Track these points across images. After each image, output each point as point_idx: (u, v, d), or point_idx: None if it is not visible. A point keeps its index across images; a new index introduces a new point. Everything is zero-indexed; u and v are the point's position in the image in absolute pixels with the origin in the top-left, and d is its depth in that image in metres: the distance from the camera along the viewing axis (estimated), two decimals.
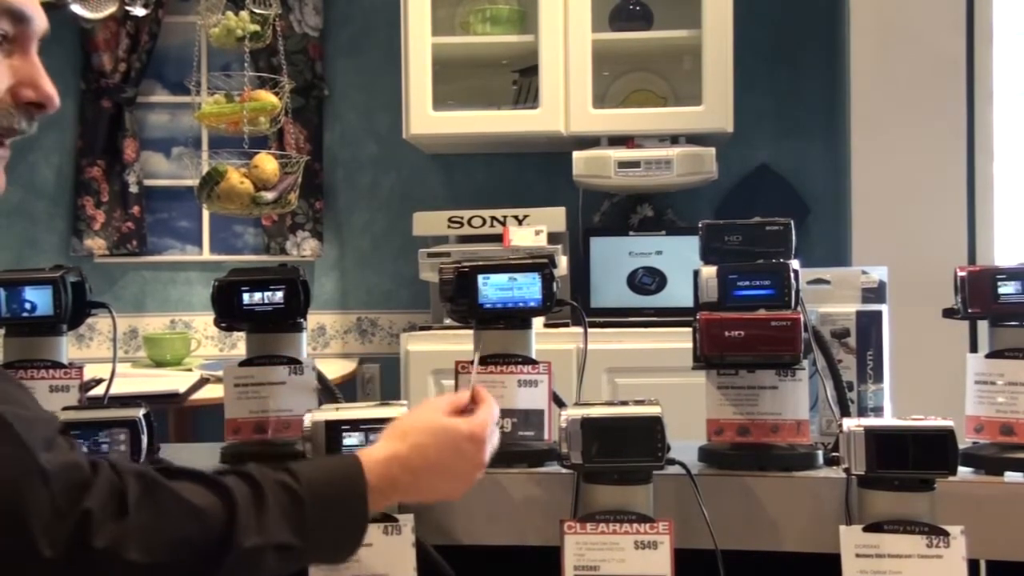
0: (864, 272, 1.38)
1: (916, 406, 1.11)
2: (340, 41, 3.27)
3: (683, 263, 2.67)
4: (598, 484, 1.08)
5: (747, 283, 1.20)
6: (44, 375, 1.25)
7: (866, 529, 1.05)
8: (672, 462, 1.11)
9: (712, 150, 2.74)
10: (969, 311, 1.20)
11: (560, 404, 1.19)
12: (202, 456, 1.29)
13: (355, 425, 1.08)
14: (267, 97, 2.59)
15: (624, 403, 1.10)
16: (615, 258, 2.84)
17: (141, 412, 1.17)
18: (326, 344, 3.27)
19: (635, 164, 2.73)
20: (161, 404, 2.44)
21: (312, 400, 1.26)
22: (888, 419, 1.15)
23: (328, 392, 1.30)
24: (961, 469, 1.11)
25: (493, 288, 1.19)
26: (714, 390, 1.21)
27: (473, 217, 2.74)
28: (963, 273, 1.20)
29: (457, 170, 3.24)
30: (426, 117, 2.81)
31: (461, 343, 1.28)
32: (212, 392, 2.53)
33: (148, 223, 3.26)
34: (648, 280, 2.81)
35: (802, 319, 1.15)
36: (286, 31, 2.96)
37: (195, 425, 2.82)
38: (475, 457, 0.98)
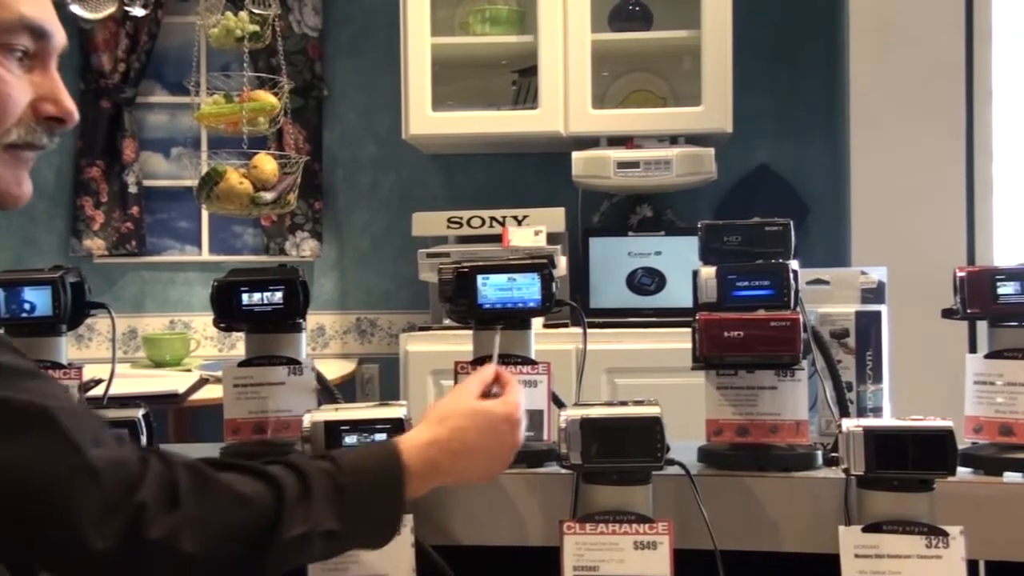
0: (863, 272, 1.38)
1: (915, 406, 1.11)
2: (339, 41, 3.27)
3: (682, 263, 2.67)
4: (597, 484, 1.08)
5: (746, 283, 1.20)
6: None
7: (865, 529, 1.05)
8: (671, 462, 1.11)
9: (711, 150, 2.74)
10: (968, 311, 1.20)
11: (559, 404, 1.19)
12: (201, 456, 1.29)
13: (354, 425, 1.08)
14: (266, 97, 2.59)
15: (623, 403, 1.10)
16: (614, 258, 2.84)
17: (140, 412, 1.17)
18: (325, 344, 3.27)
19: (634, 164, 2.73)
20: (160, 404, 2.44)
21: (311, 400, 1.26)
22: (887, 419, 1.15)
23: (327, 392, 1.30)
24: (960, 469, 1.11)
25: (492, 288, 1.19)
26: (713, 390, 1.21)
27: (472, 217, 2.74)
28: (962, 273, 1.20)
29: (456, 170, 3.24)
30: (425, 117, 2.81)
31: (460, 343, 1.28)
32: (211, 392, 2.53)
33: (147, 223, 3.26)
34: (647, 280, 2.81)
35: (801, 319, 1.15)
36: (285, 31, 2.96)
37: (194, 425, 2.82)
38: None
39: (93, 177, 3.20)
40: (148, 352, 3.03)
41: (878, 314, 1.35)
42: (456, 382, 1.20)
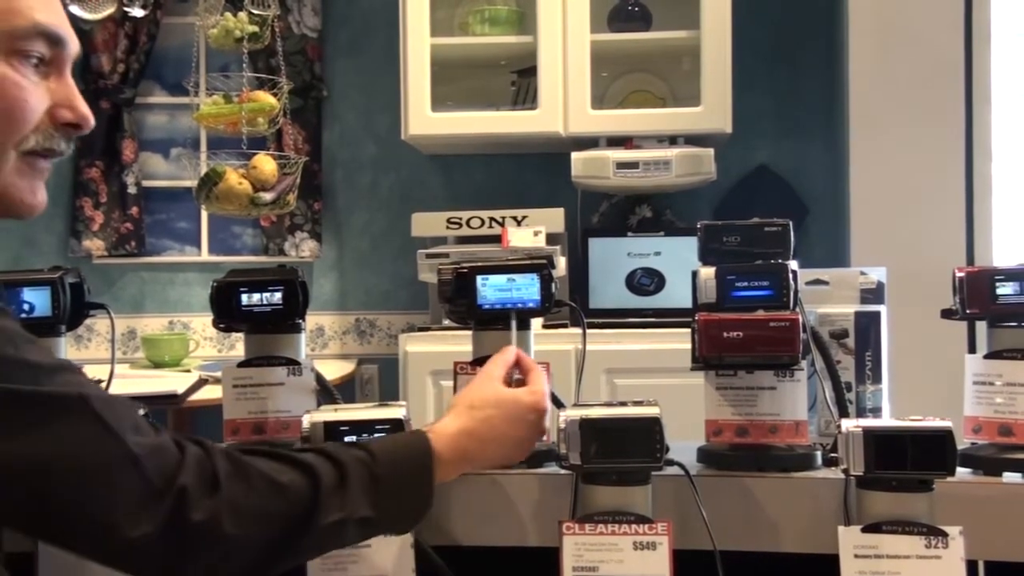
0: (863, 273, 1.38)
1: (914, 407, 1.11)
2: (339, 42, 3.27)
3: (682, 264, 2.68)
4: (597, 485, 1.08)
5: (746, 284, 1.20)
6: None
7: (865, 530, 1.05)
8: (671, 463, 1.11)
9: (711, 151, 2.74)
10: (967, 312, 1.20)
11: (559, 405, 1.18)
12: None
13: (353, 426, 1.08)
14: (266, 98, 2.59)
15: (623, 404, 1.09)
16: (614, 259, 2.84)
17: (140, 413, 1.16)
18: (325, 345, 3.27)
19: (634, 165, 2.73)
20: (160, 405, 2.44)
21: (311, 401, 1.26)
22: (886, 420, 1.15)
23: (326, 393, 1.30)
24: (959, 470, 1.11)
25: (492, 289, 1.19)
26: (712, 391, 1.21)
27: (472, 218, 2.74)
28: (961, 274, 1.20)
29: (456, 171, 3.24)
30: (425, 118, 2.81)
31: (460, 344, 1.28)
32: (211, 393, 2.53)
33: (147, 224, 3.26)
34: (647, 281, 2.81)
35: (800, 320, 1.15)
36: (284, 32, 2.97)
37: (194, 426, 2.82)
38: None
39: (92, 178, 3.20)
40: (147, 353, 3.03)
41: (877, 314, 1.35)
42: (455, 383, 1.20)
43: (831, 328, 1.35)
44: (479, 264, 1.20)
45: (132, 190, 3.21)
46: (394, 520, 0.96)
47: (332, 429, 1.08)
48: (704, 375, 1.21)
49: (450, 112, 2.86)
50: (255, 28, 2.55)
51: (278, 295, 1.24)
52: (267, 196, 2.58)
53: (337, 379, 2.82)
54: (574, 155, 2.77)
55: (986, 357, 1.19)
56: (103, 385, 1.29)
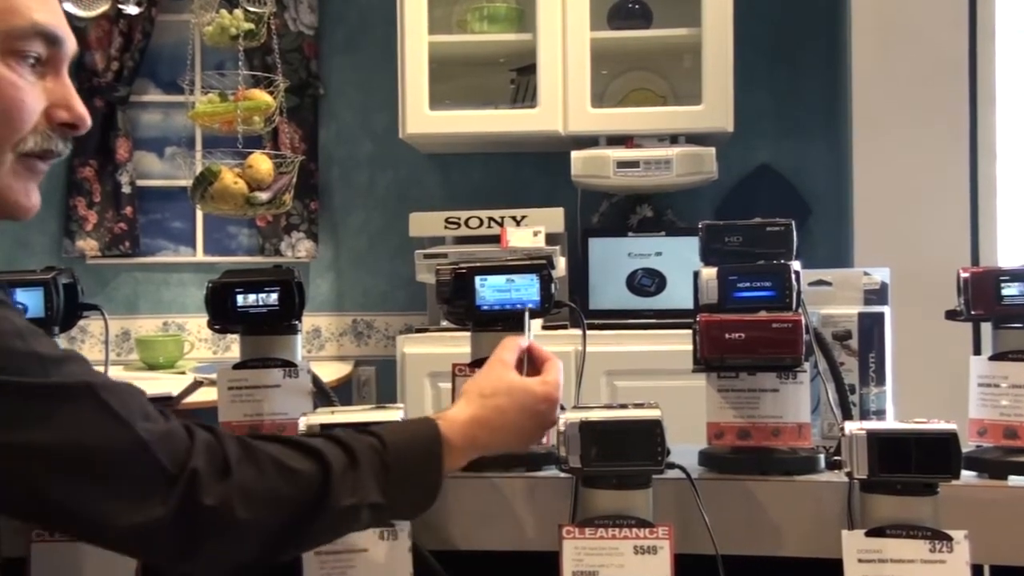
0: (866, 273, 1.38)
1: (919, 409, 1.11)
2: (335, 39, 3.27)
3: (683, 264, 2.68)
4: (597, 488, 1.08)
5: (748, 284, 1.19)
6: None
7: (868, 534, 1.05)
8: (672, 466, 1.11)
9: (712, 150, 2.74)
10: (972, 313, 1.20)
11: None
12: None
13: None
14: (261, 96, 2.59)
15: (623, 406, 1.09)
16: (614, 259, 2.84)
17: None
18: (321, 347, 3.27)
19: (634, 164, 2.73)
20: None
21: (307, 403, 1.26)
22: (890, 422, 1.15)
23: (323, 395, 1.29)
24: (964, 473, 1.11)
25: (490, 290, 1.19)
26: (714, 393, 1.20)
27: (470, 218, 2.74)
28: (966, 274, 1.20)
29: (454, 170, 3.24)
30: (423, 116, 2.81)
31: (458, 345, 1.28)
32: (206, 395, 2.53)
33: (141, 224, 3.26)
34: (647, 281, 2.81)
35: (803, 321, 1.15)
36: (281, 29, 2.97)
37: None
38: (547, 417, 1.05)
39: (86, 177, 3.20)
40: (141, 354, 3.03)
41: (881, 315, 1.35)
42: (454, 385, 1.20)
43: (834, 329, 1.35)
44: (478, 264, 1.20)
45: (126, 189, 3.20)
46: (404, 506, 0.97)
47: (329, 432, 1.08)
48: (706, 377, 1.21)
49: (448, 111, 2.86)
50: (251, 25, 2.55)
51: (274, 296, 1.24)
52: (263, 196, 2.58)
53: (334, 381, 2.82)
54: (574, 154, 2.77)
55: (991, 359, 1.19)
56: None
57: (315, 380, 1.28)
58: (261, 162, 2.60)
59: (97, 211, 3.21)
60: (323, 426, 1.08)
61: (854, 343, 1.35)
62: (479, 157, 3.20)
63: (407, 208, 2.91)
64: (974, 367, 1.20)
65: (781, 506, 1.15)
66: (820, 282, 1.38)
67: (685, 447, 1.18)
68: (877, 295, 1.37)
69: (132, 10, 2.97)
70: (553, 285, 1.19)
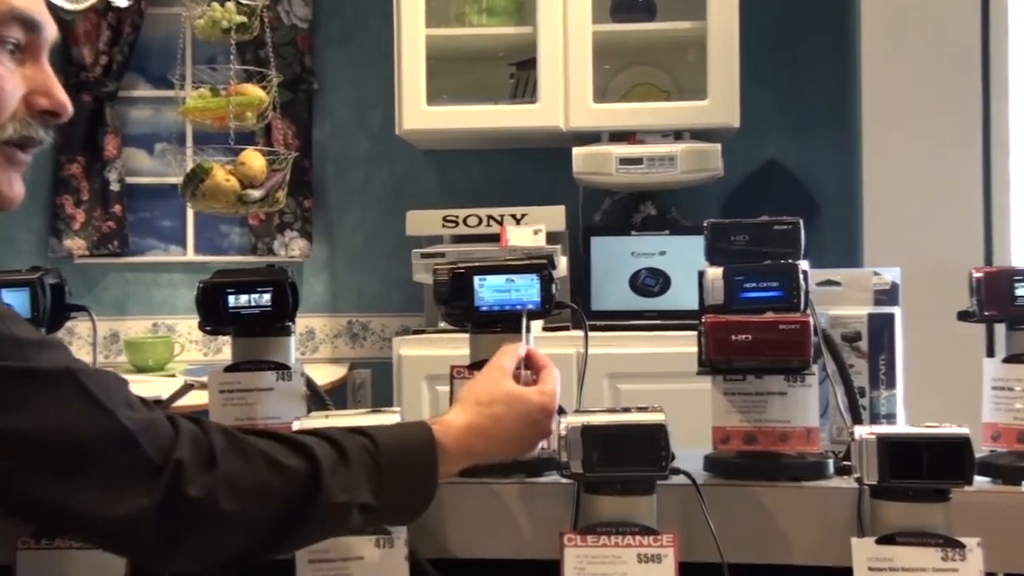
0: (876, 273, 1.38)
1: (930, 413, 1.11)
2: (330, 33, 3.27)
3: (687, 264, 2.67)
4: (599, 495, 1.08)
5: (754, 285, 1.19)
6: None
7: (879, 541, 1.04)
8: (676, 471, 1.11)
9: (717, 146, 2.74)
10: (985, 314, 1.19)
11: (560, 411, 1.18)
12: None
13: None
14: (254, 91, 2.59)
15: (626, 410, 1.09)
16: (617, 259, 2.84)
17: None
18: (315, 349, 3.27)
19: (637, 161, 2.73)
20: None
21: (300, 407, 1.26)
22: (901, 427, 1.15)
23: (317, 399, 1.29)
24: (977, 479, 1.11)
25: (490, 290, 1.19)
26: (720, 396, 1.20)
27: (469, 216, 2.74)
28: (979, 274, 1.20)
29: (452, 167, 3.24)
30: (420, 112, 2.81)
31: (456, 348, 1.28)
32: (196, 399, 2.50)
33: (130, 222, 3.26)
34: (651, 281, 2.81)
35: (812, 322, 1.15)
36: (274, 22, 2.97)
37: None
38: (544, 427, 1.06)
39: (73, 174, 3.19)
40: (130, 357, 3.03)
41: (891, 316, 1.35)
42: (452, 388, 1.20)
43: (843, 331, 1.35)
44: (476, 264, 1.20)
45: (115, 187, 3.20)
46: (396, 510, 0.97)
47: None
48: (711, 380, 1.21)
49: (446, 106, 2.86)
50: (243, 18, 2.55)
51: (267, 296, 1.24)
52: (255, 193, 2.58)
53: (328, 384, 2.82)
54: (575, 150, 2.77)
55: (1005, 361, 1.19)
56: None
57: (309, 383, 1.28)
58: (254, 159, 2.60)
59: (85, 209, 3.21)
60: (317, 430, 1.08)
61: (864, 345, 1.35)
62: (478, 154, 3.20)
63: (404, 206, 2.91)
64: (987, 369, 1.20)
65: (789, 513, 1.15)
66: (829, 282, 1.38)
67: (690, 452, 1.18)
68: (887, 295, 1.37)
69: (121, 3, 2.98)
70: (554, 285, 1.19)
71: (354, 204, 3.28)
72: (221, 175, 2.53)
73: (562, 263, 2.66)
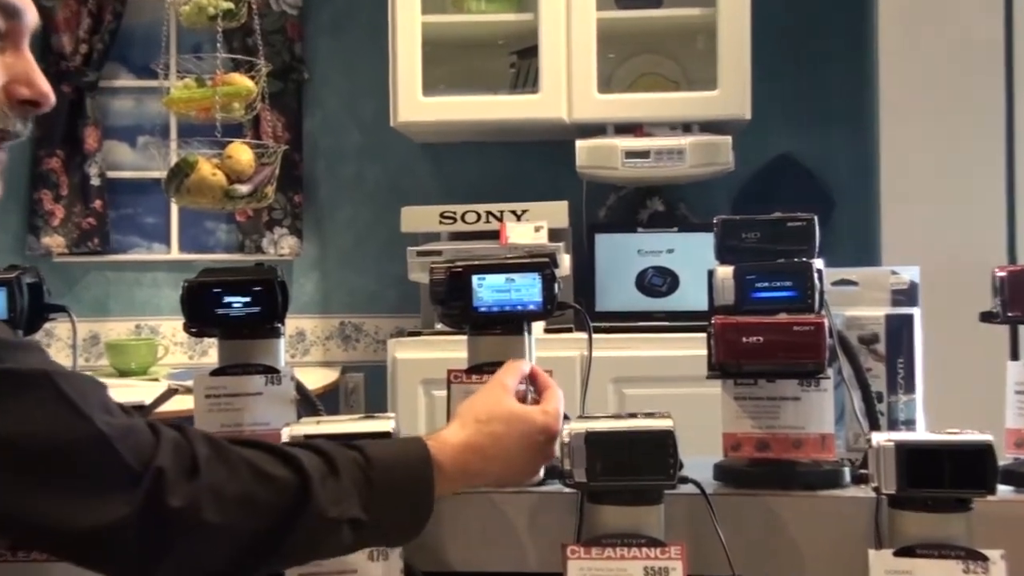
0: (894, 272, 1.38)
1: (951, 419, 1.11)
2: (321, 20, 3.27)
3: (697, 262, 2.67)
4: (604, 504, 1.08)
5: (766, 284, 1.20)
6: None
7: (897, 553, 1.04)
8: (685, 480, 1.11)
9: (728, 139, 2.74)
10: (1009, 315, 1.19)
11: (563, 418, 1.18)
12: None
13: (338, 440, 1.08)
14: (241, 81, 2.59)
15: (632, 416, 1.09)
16: (622, 257, 2.84)
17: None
18: (306, 351, 3.27)
19: (644, 154, 2.73)
20: None
21: (290, 412, 1.26)
22: (921, 433, 1.15)
23: (308, 404, 1.29)
24: (1001, 488, 1.11)
25: (489, 290, 1.19)
26: (731, 401, 1.20)
27: (467, 212, 2.74)
28: (1002, 273, 1.20)
29: (449, 161, 3.24)
30: (415, 103, 2.81)
31: (453, 350, 1.28)
32: (181, 404, 2.50)
33: (111, 219, 3.26)
34: (658, 281, 2.81)
35: (827, 324, 1.15)
36: (262, 9, 2.96)
37: None
38: (545, 449, 1.06)
39: (52, 168, 3.19)
40: (112, 360, 3.03)
41: (910, 317, 1.35)
42: (449, 393, 1.20)
43: (860, 333, 1.35)
44: (475, 263, 1.20)
45: (95, 182, 3.20)
46: (389, 529, 0.96)
47: None
48: (721, 384, 1.21)
49: (443, 96, 2.86)
50: (230, 5, 2.55)
51: (255, 297, 1.24)
52: (243, 188, 2.58)
53: (319, 389, 2.82)
54: (579, 143, 2.77)
55: None
56: None
57: (299, 387, 1.28)
58: (241, 152, 2.60)
59: (64, 205, 3.21)
60: (307, 437, 1.08)
61: (881, 347, 1.35)
62: (476, 147, 3.20)
63: (399, 202, 2.92)
64: (1011, 373, 1.20)
65: (803, 523, 1.15)
66: (845, 281, 1.38)
67: (699, 460, 1.18)
68: (906, 295, 1.37)
69: None
70: (556, 285, 1.20)
71: (347, 200, 3.28)
72: (207, 169, 2.53)
73: (565, 262, 2.66)
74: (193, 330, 1.27)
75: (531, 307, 1.19)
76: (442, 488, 0.98)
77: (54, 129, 3.18)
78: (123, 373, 2.97)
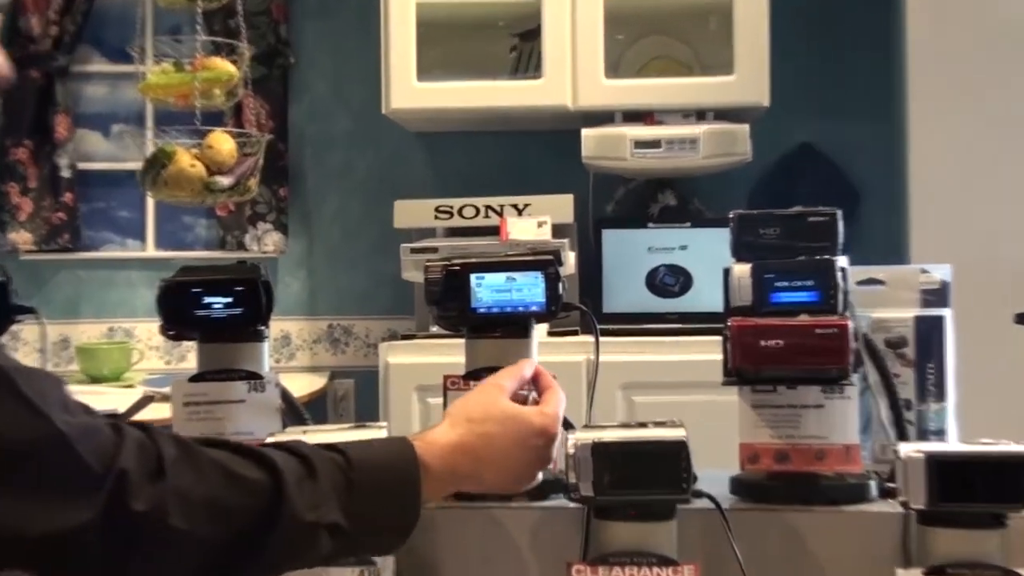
0: (924, 271, 1.38)
1: (985, 428, 1.11)
2: (308, 0, 3.27)
3: (711, 260, 2.66)
4: (612, 520, 1.08)
5: (787, 284, 1.20)
6: None
7: (927, 572, 1.05)
8: (699, 495, 1.11)
9: (745, 127, 2.74)
10: None
11: (567, 427, 1.18)
12: None
13: None
14: (223, 66, 2.59)
15: (643, 425, 1.09)
16: (632, 254, 2.84)
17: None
18: (291, 356, 3.27)
19: (655, 144, 2.73)
20: None
21: (275, 422, 1.26)
22: (953, 444, 1.15)
23: (294, 412, 1.30)
24: None
25: (488, 290, 1.19)
26: (748, 410, 1.20)
27: (464, 206, 2.74)
28: None
29: (445, 151, 3.24)
30: (409, 89, 2.81)
31: (450, 355, 1.28)
32: (158, 412, 2.51)
33: (83, 213, 3.26)
34: (670, 280, 2.81)
35: (851, 326, 1.15)
36: None
37: None
38: (543, 453, 1.04)
39: (19, 159, 3.19)
40: (83, 365, 3.03)
41: (941, 319, 1.35)
42: (445, 400, 1.20)
43: (887, 336, 1.35)
44: (473, 261, 1.20)
45: (66, 174, 3.20)
46: (372, 537, 0.95)
47: None
48: (738, 391, 1.21)
49: (439, 82, 2.86)
50: None
51: (237, 297, 1.24)
52: (224, 181, 2.58)
53: (306, 396, 2.82)
54: (584, 132, 2.77)
55: None
56: None
57: (284, 395, 1.28)
58: (222, 142, 2.60)
59: (32, 198, 3.21)
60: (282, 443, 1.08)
61: (910, 351, 1.35)
62: (474, 136, 3.20)
63: (391, 195, 2.91)
64: None
65: (826, 541, 1.15)
66: (871, 280, 1.38)
67: (714, 473, 1.19)
68: (937, 296, 1.37)
69: None
70: (561, 284, 1.20)
71: (335, 193, 3.28)
72: (186, 160, 2.53)
73: (570, 259, 2.66)
74: (170, 333, 1.28)
75: (533, 308, 1.19)
76: (430, 492, 0.97)
77: (22, 117, 3.17)
78: (95, 379, 2.96)
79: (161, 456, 0.85)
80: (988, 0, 2.68)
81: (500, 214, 2.71)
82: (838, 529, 1.15)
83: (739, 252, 1.26)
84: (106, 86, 3.30)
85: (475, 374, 1.20)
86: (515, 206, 2.72)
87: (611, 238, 2.87)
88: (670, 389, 2.42)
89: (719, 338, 1.19)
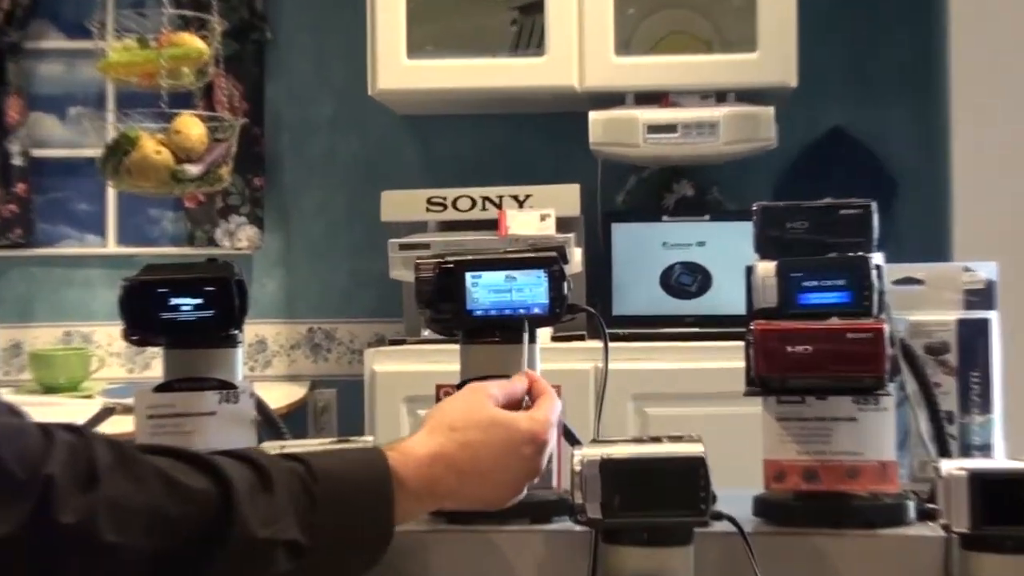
0: (967, 269, 1.38)
1: None
2: None
3: (732, 257, 2.67)
4: (622, 545, 1.08)
5: (816, 284, 1.20)
6: None
7: None
8: (719, 517, 1.11)
9: (770, 110, 2.75)
10: None
11: (573, 441, 1.19)
12: None
13: None
14: (192, 42, 2.59)
15: (656, 440, 1.10)
16: (645, 251, 2.84)
17: None
18: (268, 363, 3.27)
19: (670, 128, 2.74)
20: None
21: (250, 436, 1.26)
22: (999, 460, 1.15)
23: (270, 425, 1.30)
24: None
25: (485, 290, 1.19)
26: (773, 423, 1.21)
27: (459, 198, 2.74)
28: None
29: (438, 136, 3.24)
30: (398, 67, 2.81)
31: (442, 362, 1.28)
32: (119, 426, 2.50)
33: (37, 205, 3.26)
34: (687, 279, 2.81)
35: (887, 330, 1.15)
36: None
37: None
38: (532, 462, 1.03)
39: None
40: (36, 373, 3.03)
41: (986, 323, 1.36)
42: None
43: (927, 341, 1.35)
44: (469, 258, 1.20)
45: (18, 161, 3.21)
46: (337, 558, 0.93)
47: None
48: (762, 402, 1.21)
49: (431, 60, 2.86)
50: None
51: (207, 298, 1.24)
52: (193, 169, 2.58)
53: (283, 408, 2.83)
54: (592, 116, 2.77)
55: None
56: None
57: (260, 406, 1.28)
58: (191, 126, 2.60)
59: None
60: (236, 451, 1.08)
61: (952, 358, 1.35)
62: (470, 120, 3.20)
63: (378, 185, 2.92)
64: None
65: (859, 567, 1.15)
66: (909, 280, 1.38)
67: (736, 492, 1.19)
68: (981, 297, 1.37)
69: None
70: (566, 284, 1.20)
71: (316, 183, 3.28)
72: (151, 146, 2.53)
73: (576, 256, 2.66)
74: (133, 338, 1.28)
75: (535, 310, 1.19)
76: (405, 509, 0.96)
77: None
78: (50, 389, 2.96)
79: (94, 461, 0.84)
80: None
81: (499, 206, 2.71)
82: (872, 555, 1.15)
83: (763, 248, 1.26)
84: (62, 64, 3.31)
85: (470, 383, 1.20)
86: (515, 197, 2.72)
87: (621, 233, 2.87)
88: (687, 400, 2.42)
89: (741, 343, 1.19)
